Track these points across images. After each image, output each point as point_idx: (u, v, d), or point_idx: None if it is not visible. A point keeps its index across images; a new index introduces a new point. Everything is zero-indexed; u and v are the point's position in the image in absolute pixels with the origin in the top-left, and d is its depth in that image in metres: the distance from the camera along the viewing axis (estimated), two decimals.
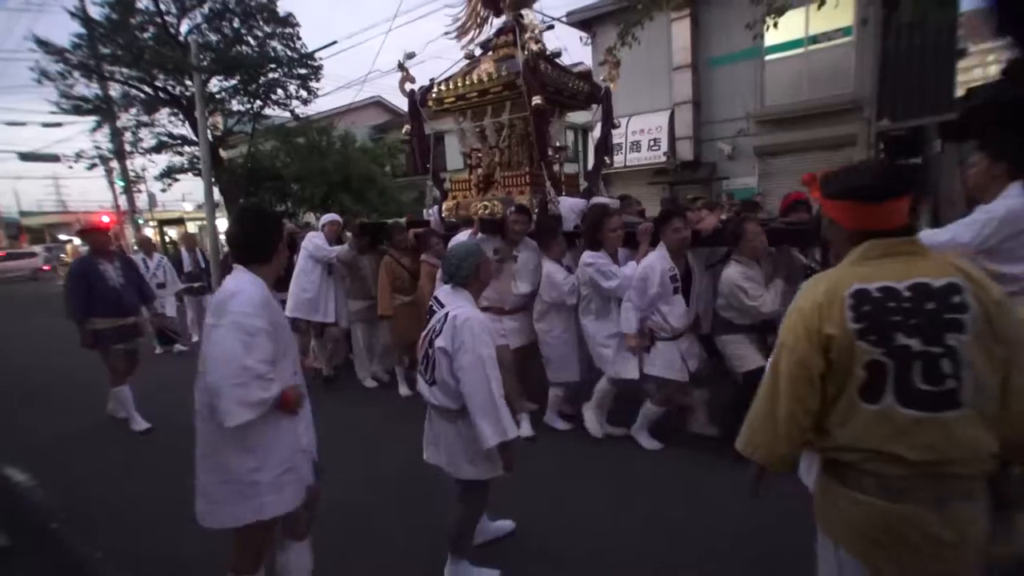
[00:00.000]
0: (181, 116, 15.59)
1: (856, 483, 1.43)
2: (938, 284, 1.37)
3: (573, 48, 18.43)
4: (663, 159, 12.92)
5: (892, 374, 1.36)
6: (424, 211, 5.69)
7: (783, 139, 11.98)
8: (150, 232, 19.07)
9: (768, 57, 11.93)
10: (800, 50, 11.70)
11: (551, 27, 5.46)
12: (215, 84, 15.45)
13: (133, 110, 15.65)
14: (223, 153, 16.56)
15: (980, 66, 19.84)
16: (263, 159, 15.98)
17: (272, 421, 1.97)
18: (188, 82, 14.35)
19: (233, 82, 15.52)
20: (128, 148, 16.33)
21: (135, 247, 16.29)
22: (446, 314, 2.29)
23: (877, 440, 1.37)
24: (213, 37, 14.93)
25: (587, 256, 3.76)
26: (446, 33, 5.25)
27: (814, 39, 11.49)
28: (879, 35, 10.48)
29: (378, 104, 23.40)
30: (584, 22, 13.41)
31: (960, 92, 11.01)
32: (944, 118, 10.10)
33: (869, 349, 1.37)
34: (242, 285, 2.00)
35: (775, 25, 8.24)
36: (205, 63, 14.29)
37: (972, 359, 1.32)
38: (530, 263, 4.15)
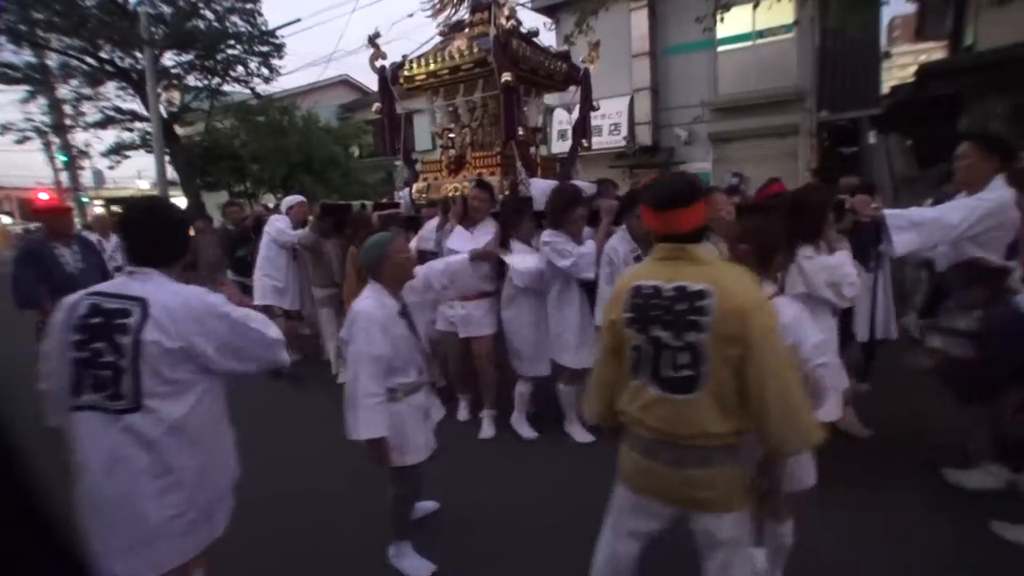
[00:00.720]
0: (131, 90, 14.73)
1: (627, 440, 1.76)
2: (693, 289, 1.58)
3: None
4: (623, 143, 13.32)
5: (647, 358, 1.64)
6: (395, 193, 5.52)
7: (735, 126, 12.45)
8: (99, 211, 17.92)
9: (720, 48, 12.43)
10: (748, 43, 12.21)
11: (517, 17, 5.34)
12: (170, 59, 14.72)
13: (74, 81, 14.59)
14: (179, 130, 15.87)
15: (900, 67, 20.92)
16: (221, 138, 15.39)
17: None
18: (139, 55, 13.60)
19: (189, 57, 14.80)
20: (69, 122, 15.35)
21: (81, 228, 15.39)
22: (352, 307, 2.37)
23: (636, 408, 1.69)
24: (166, 9, 14.09)
25: (545, 234, 3.55)
26: (422, 10, 5.10)
27: (760, 33, 12.05)
28: (815, 33, 10.86)
29: (346, 83, 22.71)
30: (548, 8, 13.42)
31: (886, 89, 11.68)
32: (872, 112, 10.69)
33: (634, 335, 1.65)
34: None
35: (722, 20, 8.66)
36: (157, 36, 13.56)
37: (709, 355, 1.54)
38: (491, 246, 3.77)
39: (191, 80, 15.46)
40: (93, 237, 6.40)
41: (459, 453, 3.36)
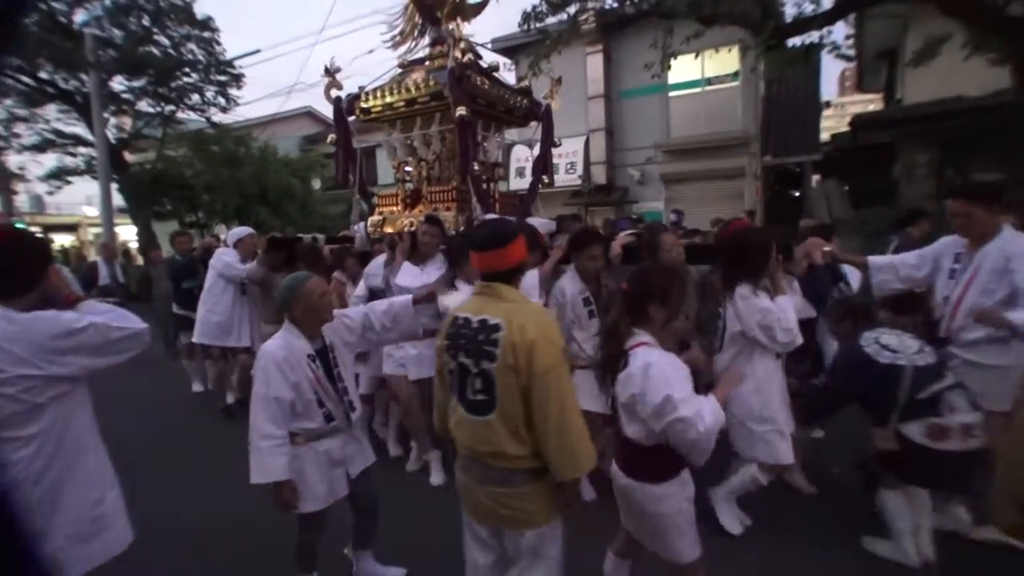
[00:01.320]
0: (75, 114, 14.09)
1: (456, 454, 1.92)
2: (491, 322, 1.73)
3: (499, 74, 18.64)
4: (579, 182, 13.58)
5: (456, 381, 1.81)
6: (352, 227, 5.24)
7: (686, 168, 12.80)
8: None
9: (671, 93, 12.87)
10: (698, 89, 12.70)
11: (476, 51, 5.25)
12: (120, 83, 14.26)
13: (8, 101, 13.80)
14: (130, 156, 15.27)
15: (849, 115, 22.11)
16: (172, 166, 14.89)
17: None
18: (84, 77, 13.07)
19: (141, 83, 14.33)
20: (0, 143, 14.52)
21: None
22: None
23: (453, 426, 1.86)
24: (117, 32, 13.65)
25: None
26: (383, 42, 4.95)
27: (708, 81, 12.50)
28: (759, 83, 11.37)
29: (309, 114, 22.53)
30: (507, 49, 13.55)
31: (827, 137, 12.31)
32: (813, 158, 11.21)
33: (449, 360, 1.83)
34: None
35: (669, 67, 9.02)
36: (105, 59, 13.16)
37: (499, 382, 1.70)
38: (440, 284, 3.47)
39: (143, 106, 14.94)
40: None
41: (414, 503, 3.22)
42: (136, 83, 14.34)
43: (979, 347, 2.60)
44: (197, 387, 6.06)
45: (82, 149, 14.66)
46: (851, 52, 8.62)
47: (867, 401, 2.51)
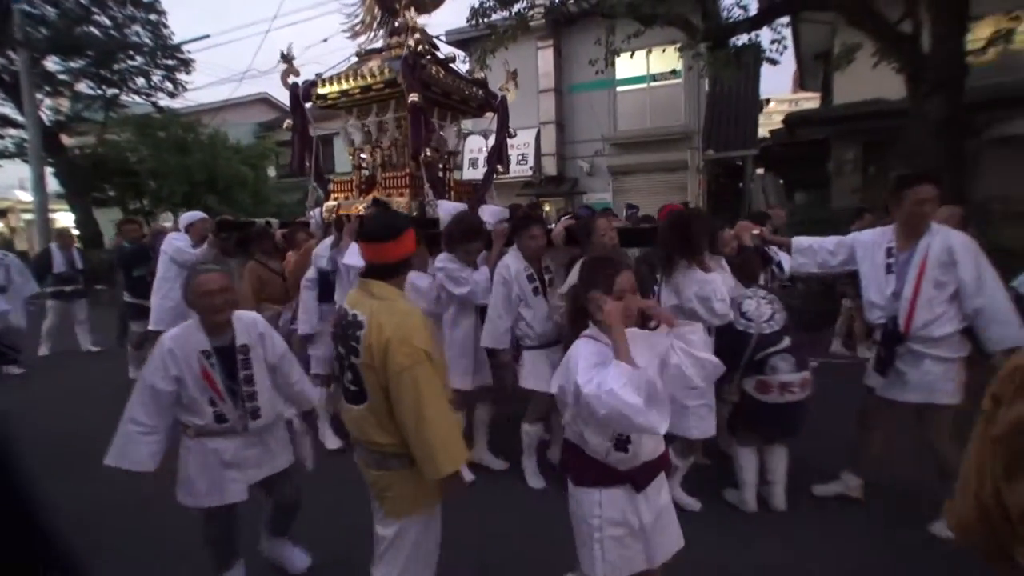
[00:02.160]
0: (2, 93, 13.40)
1: None
2: (358, 319, 1.78)
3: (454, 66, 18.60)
4: (530, 173, 13.83)
5: (339, 371, 1.89)
6: (307, 212, 5.17)
7: (632, 160, 13.16)
8: None
9: (619, 88, 13.21)
10: (644, 85, 12.98)
11: (432, 41, 5.26)
12: (56, 63, 13.50)
13: None
14: (68, 140, 14.59)
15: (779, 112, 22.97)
16: (116, 151, 14.29)
17: None
18: (13, 55, 12.40)
19: (79, 64, 13.62)
20: None
21: None
22: None
23: (341, 412, 1.94)
24: (51, 11, 12.91)
25: (440, 259, 3.42)
26: (342, 31, 4.88)
27: (654, 77, 12.74)
28: (701, 80, 11.77)
29: (265, 101, 21.90)
30: (460, 42, 13.53)
31: (767, 133, 12.88)
32: (752, 152, 11.71)
33: (337, 351, 1.88)
34: None
35: (613, 64, 9.43)
36: (37, 38, 12.48)
37: (364, 377, 1.76)
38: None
39: (83, 88, 14.19)
40: None
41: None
42: (74, 64, 13.60)
43: (943, 342, 2.61)
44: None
45: (11, 131, 13.86)
46: (778, 56, 9.09)
47: (722, 360, 2.77)
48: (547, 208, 12.48)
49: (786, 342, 2.81)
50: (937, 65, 6.69)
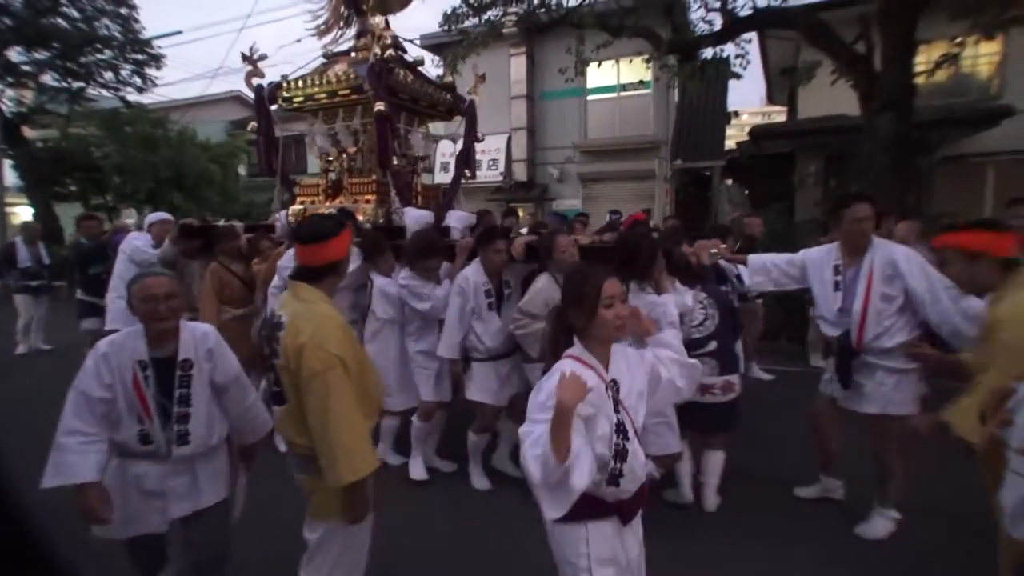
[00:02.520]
0: None
1: None
2: (281, 320, 1.79)
3: (425, 69, 18.55)
4: (500, 178, 13.90)
5: (271, 371, 1.88)
6: (273, 214, 5.09)
7: (602, 168, 13.37)
8: None
9: (590, 97, 13.39)
10: (614, 94, 13.15)
11: (400, 45, 5.23)
12: (19, 54, 13.32)
13: None
14: (31, 132, 14.34)
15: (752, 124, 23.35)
16: (80, 145, 13.97)
17: None
18: None
19: (45, 55, 13.44)
20: None
21: None
22: None
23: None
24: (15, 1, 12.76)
25: (402, 276, 3.44)
26: (306, 29, 4.85)
27: (624, 87, 12.92)
28: (670, 91, 11.96)
29: (237, 99, 21.27)
30: (434, 46, 13.47)
31: (732, 144, 13.19)
32: (718, 163, 11.98)
33: (264, 351, 1.90)
34: None
35: (583, 73, 9.68)
36: (2, 28, 12.39)
37: (283, 377, 1.78)
38: (353, 278, 3.36)
39: (48, 80, 13.98)
40: None
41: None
42: (39, 55, 13.39)
43: (894, 354, 2.69)
44: None
45: None
46: (741, 70, 9.37)
47: None
48: (521, 214, 12.56)
49: (712, 346, 2.96)
50: (886, 85, 6.95)
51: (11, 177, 13.63)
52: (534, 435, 1.47)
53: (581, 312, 1.60)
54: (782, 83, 14.12)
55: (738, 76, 9.52)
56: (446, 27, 9.58)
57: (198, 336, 1.98)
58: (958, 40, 7.64)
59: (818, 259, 2.96)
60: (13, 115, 13.56)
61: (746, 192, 14.32)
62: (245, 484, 2.25)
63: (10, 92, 13.64)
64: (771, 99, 17.27)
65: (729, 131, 14.39)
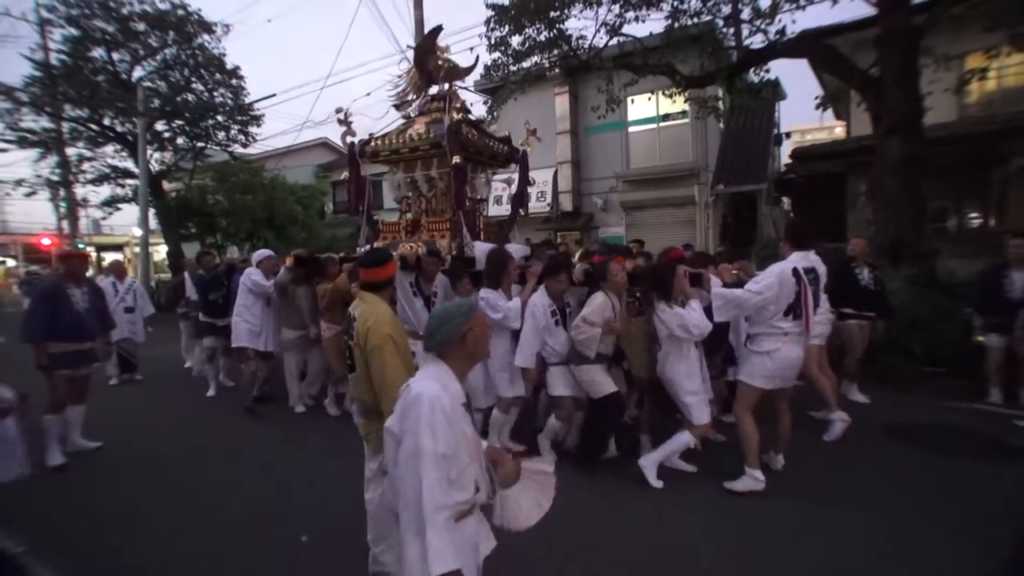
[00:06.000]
0: (126, 152, 15.98)
1: None
2: (355, 315, 2.48)
3: (477, 110, 19.46)
4: (548, 209, 14.47)
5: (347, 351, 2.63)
6: (357, 249, 5.70)
7: (644, 196, 13.63)
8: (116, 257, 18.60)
9: (631, 129, 13.74)
10: (654, 125, 13.46)
11: (467, 108, 5.74)
12: (162, 124, 16.02)
13: (80, 144, 16.00)
14: (168, 185, 17.09)
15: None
16: (195, 194, 16.36)
17: None
18: (136, 121, 14.87)
19: (179, 123, 16.15)
20: (71, 179, 16.73)
21: (97, 271, 16.55)
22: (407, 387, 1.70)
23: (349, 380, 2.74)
24: (162, 84, 15.59)
25: (482, 292, 4.08)
26: (388, 99, 5.46)
27: (664, 117, 13.06)
28: (708, 120, 11.94)
29: (324, 145, 24.24)
30: (487, 90, 14.12)
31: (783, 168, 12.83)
32: (760, 186, 11.70)
33: (345, 338, 2.63)
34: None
35: (612, 111, 10.06)
36: (153, 107, 14.97)
37: (356, 352, 2.47)
38: (446, 296, 4.38)
39: (180, 142, 16.70)
40: (108, 280, 6.82)
41: None
42: (175, 124, 16.09)
43: None
44: (211, 392, 6.46)
45: (130, 181, 16.38)
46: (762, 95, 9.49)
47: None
48: (560, 241, 12.89)
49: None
50: (892, 108, 6.86)
51: (153, 222, 16.09)
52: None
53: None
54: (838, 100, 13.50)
55: (762, 98, 9.45)
56: (487, 77, 10.43)
57: None
58: (992, 52, 7.35)
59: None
60: (156, 172, 16.18)
61: (789, 213, 13.80)
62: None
63: (156, 155, 16.46)
64: (838, 115, 16.49)
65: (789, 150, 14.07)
